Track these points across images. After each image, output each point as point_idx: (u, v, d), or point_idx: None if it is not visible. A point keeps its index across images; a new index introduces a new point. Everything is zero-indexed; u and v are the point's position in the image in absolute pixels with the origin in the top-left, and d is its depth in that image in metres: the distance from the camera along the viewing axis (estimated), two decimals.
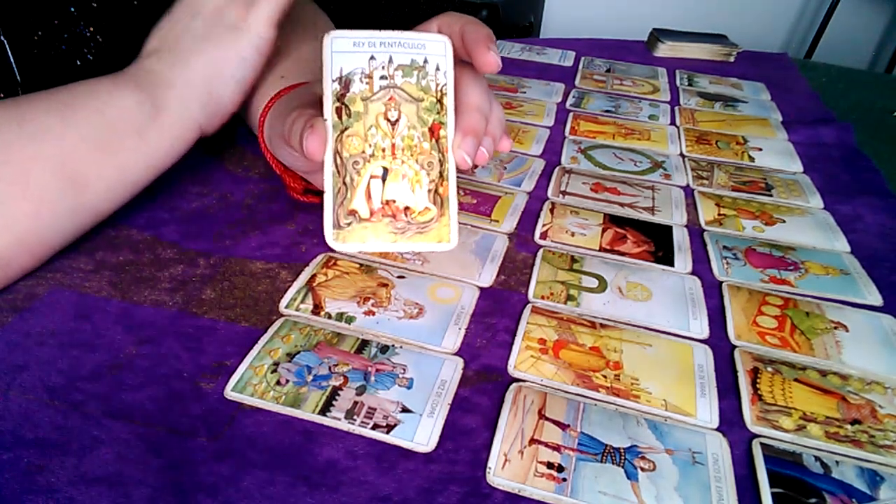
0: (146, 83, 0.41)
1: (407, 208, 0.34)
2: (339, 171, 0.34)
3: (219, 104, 0.44)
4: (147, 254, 0.41)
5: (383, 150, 0.34)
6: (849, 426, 0.33)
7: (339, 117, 0.34)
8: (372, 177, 0.34)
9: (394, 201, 0.34)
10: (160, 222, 0.44)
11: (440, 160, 0.34)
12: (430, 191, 0.34)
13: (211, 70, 0.43)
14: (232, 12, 0.44)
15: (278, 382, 0.32)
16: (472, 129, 0.35)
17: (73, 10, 0.49)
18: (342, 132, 0.34)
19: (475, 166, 0.36)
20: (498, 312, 0.39)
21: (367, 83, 0.34)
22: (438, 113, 0.34)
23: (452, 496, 0.28)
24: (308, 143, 0.34)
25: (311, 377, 0.33)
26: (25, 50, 0.47)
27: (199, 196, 0.48)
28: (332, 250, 0.38)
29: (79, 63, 0.51)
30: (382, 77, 0.34)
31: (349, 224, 0.33)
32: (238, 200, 0.48)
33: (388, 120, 0.34)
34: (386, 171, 0.34)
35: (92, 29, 0.50)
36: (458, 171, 0.35)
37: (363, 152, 0.34)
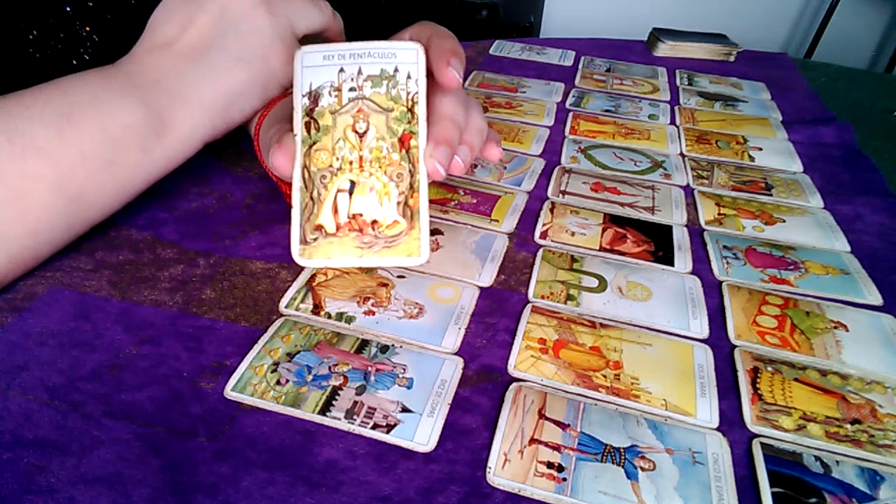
0: (155, 95, 0.39)
1: (374, 222, 0.33)
2: (306, 186, 0.33)
3: (227, 124, 0.43)
4: (147, 254, 0.41)
5: (351, 163, 0.33)
6: (849, 426, 0.33)
7: (309, 132, 0.33)
8: (339, 190, 0.33)
9: (360, 215, 0.33)
10: (160, 222, 0.44)
11: (411, 171, 0.33)
12: (399, 203, 0.33)
13: (233, 94, 0.42)
14: (270, 39, 0.42)
15: (278, 382, 0.32)
16: (444, 138, 0.33)
17: (68, 9, 0.49)
18: (311, 146, 0.33)
19: (452, 175, 0.35)
20: (498, 312, 0.39)
21: (335, 96, 0.34)
22: (409, 122, 0.33)
23: (452, 496, 0.28)
24: (274, 159, 0.33)
25: (310, 377, 0.33)
26: (20, 49, 0.47)
27: (198, 196, 0.48)
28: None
29: (75, 62, 0.51)
30: (352, 89, 0.34)
31: (315, 239, 0.33)
32: (238, 200, 0.48)
33: (357, 132, 0.33)
34: (353, 184, 0.33)
35: (88, 28, 0.50)
36: (437, 180, 0.34)
37: (330, 166, 0.33)
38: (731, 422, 0.33)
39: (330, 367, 0.33)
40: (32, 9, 0.48)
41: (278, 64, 0.43)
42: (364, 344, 0.35)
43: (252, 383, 0.32)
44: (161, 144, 0.39)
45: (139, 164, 0.39)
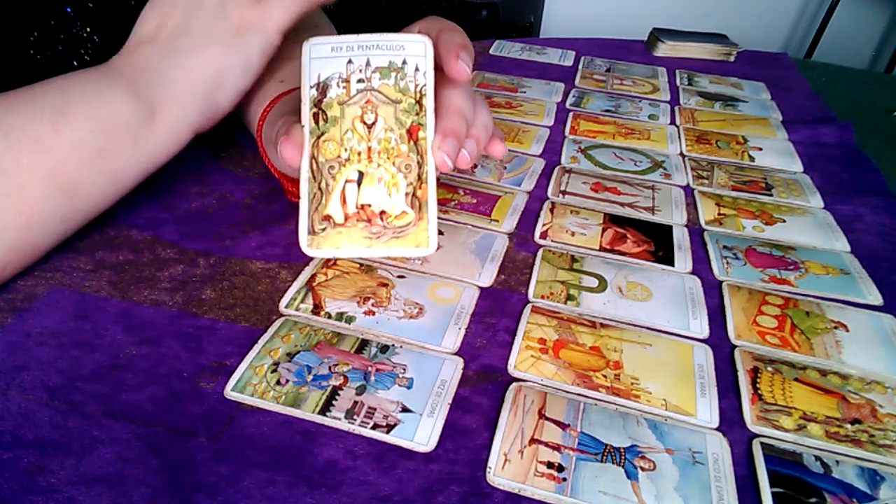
0: (142, 84, 0.39)
1: (383, 212, 0.33)
2: (314, 177, 0.33)
3: (216, 109, 0.43)
4: (147, 254, 0.41)
5: (359, 154, 0.33)
6: (849, 426, 0.33)
7: (317, 123, 0.33)
8: (347, 181, 0.33)
9: (369, 205, 0.33)
10: (160, 222, 0.44)
11: (419, 162, 0.33)
12: (407, 194, 0.33)
13: (214, 75, 0.41)
14: (237, 11, 0.42)
15: (278, 382, 0.32)
16: (452, 131, 0.34)
17: (69, 10, 0.49)
18: (319, 137, 0.33)
19: (459, 168, 0.35)
20: (498, 312, 0.39)
21: (344, 87, 0.34)
22: (417, 114, 0.34)
23: (452, 496, 0.28)
24: (283, 150, 0.33)
25: (311, 377, 0.33)
26: (21, 50, 0.47)
27: (198, 196, 0.48)
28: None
29: (75, 64, 0.51)
30: (360, 80, 0.34)
31: (324, 229, 0.33)
32: (238, 200, 0.48)
33: (365, 123, 0.33)
34: (361, 174, 0.33)
35: (88, 30, 0.50)
36: (444, 172, 0.34)
37: (339, 157, 0.33)
38: (731, 422, 0.33)
39: (330, 367, 0.33)
40: (33, 10, 0.48)
41: (250, 35, 0.42)
42: (364, 344, 0.35)
43: (252, 383, 0.32)
44: (151, 132, 0.39)
45: (131, 153, 0.39)
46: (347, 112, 0.34)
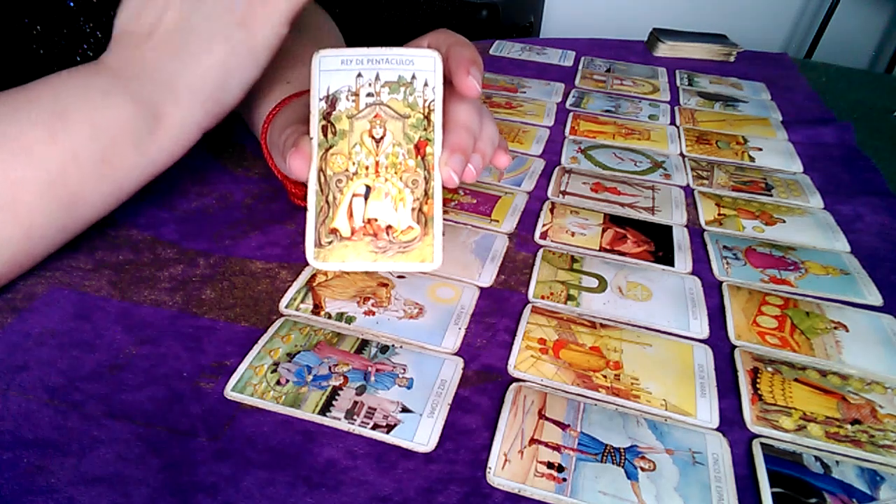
0: (142, 86, 0.38)
1: (389, 227, 0.33)
2: (322, 190, 0.33)
3: (222, 107, 0.41)
4: (147, 253, 0.41)
5: (367, 168, 0.33)
6: (849, 426, 0.33)
7: (325, 136, 0.34)
8: (354, 195, 0.33)
9: (375, 220, 0.33)
10: (160, 222, 0.44)
11: (426, 178, 0.34)
12: (413, 209, 0.33)
13: (219, 74, 0.39)
14: (242, 3, 0.39)
15: (278, 382, 0.32)
16: (459, 146, 0.34)
17: (72, 5, 0.49)
18: (327, 150, 0.34)
19: (464, 182, 0.35)
20: (498, 312, 0.39)
21: (353, 101, 0.34)
22: (425, 129, 0.34)
23: (452, 496, 0.28)
24: (291, 162, 0.33)
25: (311, 377, 0.33)
26: (24, 45, 0.47)
27: (198, 196, 0.48)
28: None
29: (78, 59, 0.51)
30: (369, 94, 0.34)
31: (330, 243, 0.33)
32: (238, 200, 0.48)
33: (373, 137, 0.34)
34: (369, 189, 0.33)
35: (91, 24, 0.50)
36: (445, 188, 0.34)
37: (347, 170, 0.33)
38: (731, 422, 0.33)
39: (330, 368, 0.33)
40: (36, 5, 0.48)
41: (258, 27, 0.40)
42: (364, 344, 0.35)
43: (252, 383, 0.32)
44: (155, 139, 0.38)
45: (134, 161, 0.38)
46: (356, 126, 0.34)
